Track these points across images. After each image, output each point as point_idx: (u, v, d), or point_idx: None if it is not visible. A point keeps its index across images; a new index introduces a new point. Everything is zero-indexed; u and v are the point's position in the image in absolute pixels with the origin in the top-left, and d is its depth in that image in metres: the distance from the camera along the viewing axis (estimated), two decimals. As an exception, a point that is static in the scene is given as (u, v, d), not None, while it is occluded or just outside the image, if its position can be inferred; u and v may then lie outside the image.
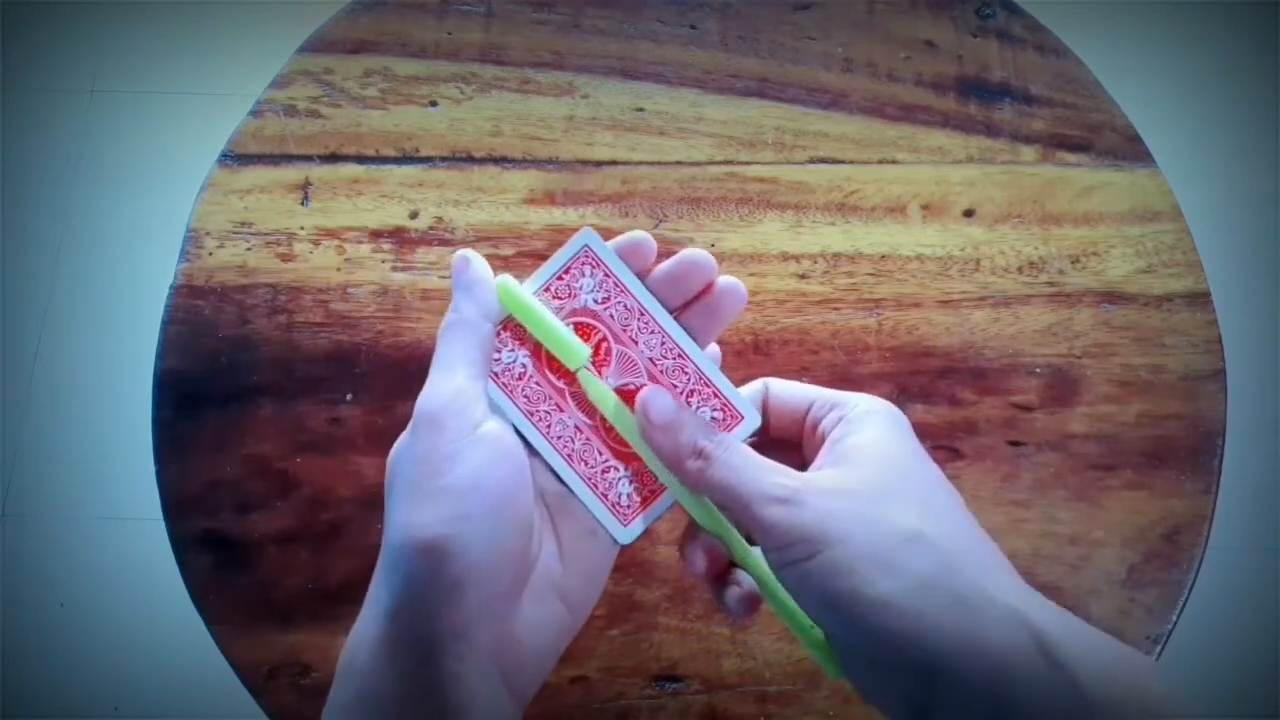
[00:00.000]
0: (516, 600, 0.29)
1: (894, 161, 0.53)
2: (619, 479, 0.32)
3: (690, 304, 0.32)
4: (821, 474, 0.29)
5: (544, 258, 0.51)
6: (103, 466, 1.05)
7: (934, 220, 0.52)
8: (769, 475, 0.28)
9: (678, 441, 0.30)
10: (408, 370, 0.49)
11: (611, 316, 0.32)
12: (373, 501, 0.47)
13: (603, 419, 0.32)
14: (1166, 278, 0.51)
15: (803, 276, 0.51)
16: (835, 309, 0.51)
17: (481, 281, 0.31)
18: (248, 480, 0.47)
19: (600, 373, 0.32)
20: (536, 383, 0.32)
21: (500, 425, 0.30)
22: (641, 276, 0.32)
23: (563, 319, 0.32)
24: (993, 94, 0.55)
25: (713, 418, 0.32)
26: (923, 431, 0.49)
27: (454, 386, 0.29)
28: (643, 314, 0.32)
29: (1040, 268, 0.51)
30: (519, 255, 0.51)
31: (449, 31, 0.56)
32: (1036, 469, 0.48)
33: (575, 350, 0.31)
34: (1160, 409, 0.49)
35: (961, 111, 0.54)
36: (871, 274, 0.51)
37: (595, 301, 0.32)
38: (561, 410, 0.32)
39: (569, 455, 0.32)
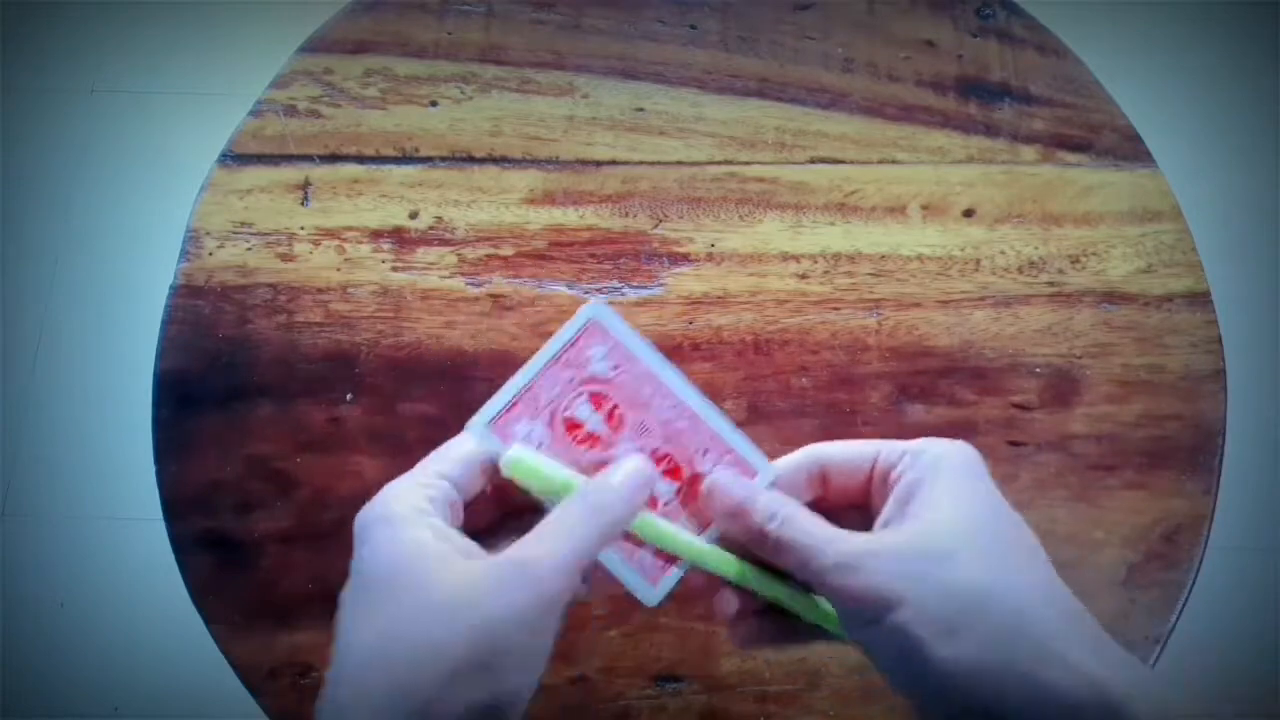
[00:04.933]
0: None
1: (894, 161, 0.53)
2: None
3: None
4: (886, 533, 0.29)
5: (544, 257, 0.52)
6: (103, 466, 1.04)
7: (934, 220, 0.52)
8: (834, 545, 0.28)
9: (748, 525, 0.30)
10: (408, 370, 0.49)
11: (622, 383, 0.32)
12: (373, 501, 0.47)
13: None
14: (1166, 278, 0.51)
15: (803, 276, 0.51)
16: (835, 309, 0.51)
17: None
18: (248, 480, 0.47)
19: (614, 436, 0.32)
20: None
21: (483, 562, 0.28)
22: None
23: (576, 386, 0.32)
24: (993, 94, 0.55)
25: None
26: (922, 432, 0.49)
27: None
28: (653, 379, 0.32)
29: (1040, 268, 0.51)
30: (519, 255, 0.51)
31: (449, 31, 0.56)
32: (1036, 469, 0.48)
33: (570, 484, 0.31)
34: (1160, 409, 0.49)
35: (961, 111, 0.54)
36: (871, 274, 0.51)
37: (606, 369, 0.32)
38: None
39: None
